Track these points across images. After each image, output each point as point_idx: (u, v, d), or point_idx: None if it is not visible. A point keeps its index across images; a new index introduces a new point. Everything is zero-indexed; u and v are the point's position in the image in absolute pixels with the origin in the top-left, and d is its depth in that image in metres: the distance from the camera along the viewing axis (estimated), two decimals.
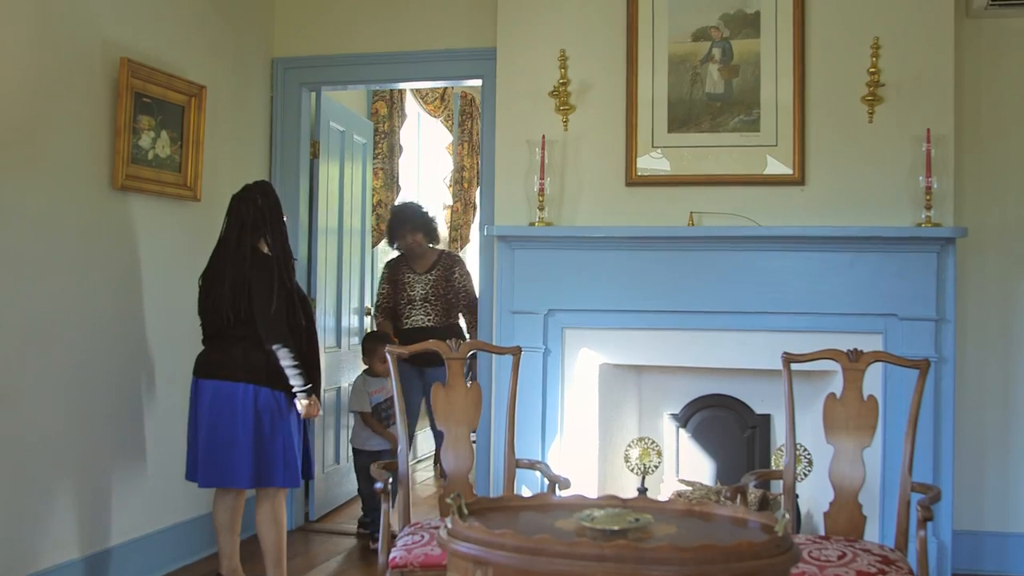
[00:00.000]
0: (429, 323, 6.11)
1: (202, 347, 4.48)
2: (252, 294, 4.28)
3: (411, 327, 6.11)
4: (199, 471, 4.38)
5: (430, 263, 6.21)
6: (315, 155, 6.13)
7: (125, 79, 4.59)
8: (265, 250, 4.40)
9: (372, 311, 6.24)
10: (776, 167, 5.02)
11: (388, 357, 4.05)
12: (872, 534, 4.41)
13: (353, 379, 6.21)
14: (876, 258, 4.83)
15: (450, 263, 6.27)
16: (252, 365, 4.30)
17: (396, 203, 6.49)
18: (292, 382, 4.30)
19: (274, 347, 4.26)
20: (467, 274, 6.28)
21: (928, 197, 4.74)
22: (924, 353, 4.60)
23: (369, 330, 6.62)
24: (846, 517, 3.78)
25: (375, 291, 6.55)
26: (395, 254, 6.46)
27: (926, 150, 4.74)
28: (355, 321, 6.67)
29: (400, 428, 4.07)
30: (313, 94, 6.12)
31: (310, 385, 4.35)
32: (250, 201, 4.42)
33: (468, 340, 5.79)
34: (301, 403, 4.34)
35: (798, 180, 4.99)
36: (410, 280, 6.17)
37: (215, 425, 4.31)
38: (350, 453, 6.47)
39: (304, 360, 4.36)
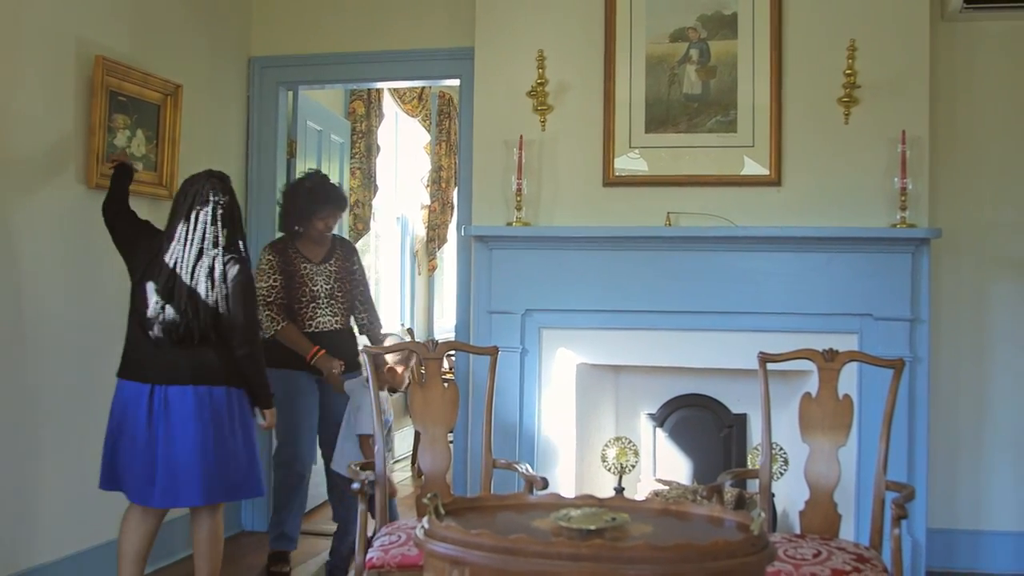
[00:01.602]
0: (337, 325, 5.13)
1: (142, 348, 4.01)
2: (234, 298, 3.93)
3: (318, 331, 5.06)
4: (203, 487, 3.89)
5: (326, 251, 5.20)
6: (292, 154, 6.11)
7: (100, 77, 4.56)
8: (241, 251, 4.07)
9: (264, 308, 4.94)
10: (753, 167, 5.04)
11: (365, 359, 4.04)
12: (847, 532, 4.43)
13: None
14: (851, 258, 4.86)
15: (348, 251, 5.31)
16: (230, 367, 3.98)
17: (306, 175, 5.32)
18: (262, 391, 4.08)
19: (247, 352, 3.98)
20: (362, 265, 5.39)
21: (903, 198, 4.78)
22: (899, 353, 4.63)
23: (275, 329, 5.02)
24: (821, 516, 3.79)
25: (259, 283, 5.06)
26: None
27: (901, 151, 4.78)
28: None
29: (377, 430, 4.06)
30: (290, 93, 6.10)
31: (271, 395, 4.14)
32: (222, 203, 4.01)
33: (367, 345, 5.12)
34: (267, 413, 4.15)
35: (775, 181, 5.01)
36: (309, 271, 5.08)
37: (207, 435, 3.89)
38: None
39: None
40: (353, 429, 4.69)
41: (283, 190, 5.36)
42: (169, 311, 3.88)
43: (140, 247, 4.04)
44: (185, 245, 3.93)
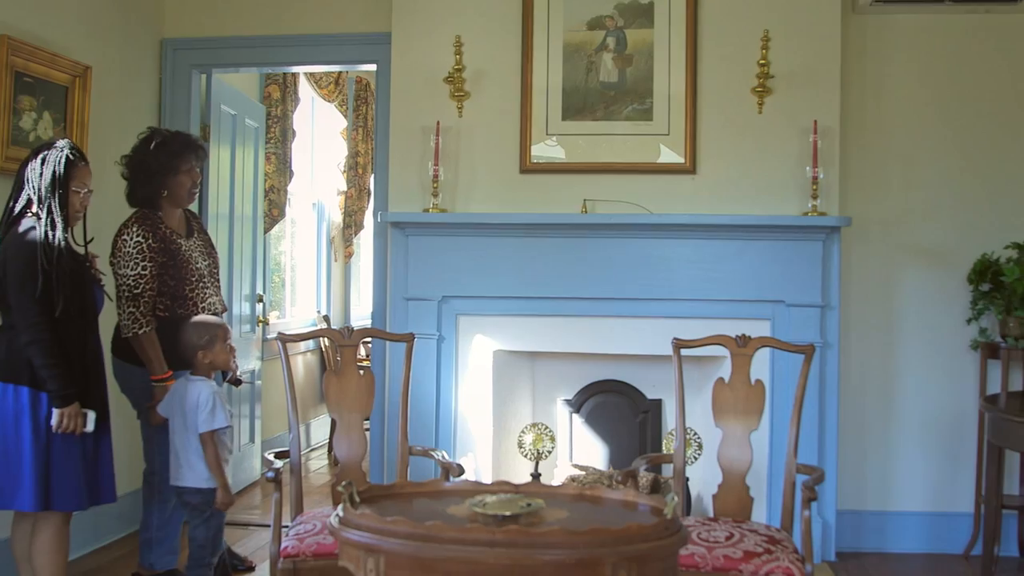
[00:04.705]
0: (221, 306, 4.55)
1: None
2: (6, 271, 3.63)
3: (211, 313, 4.48)
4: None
5: (185, 224, 4.55)
6: (206, 139, 5.99)
7: (4, 57, 4.42)
8: (32, 223, 3.68)
9: (129, 303, 4.22)
10: (668, 156, 5.09)
11: (281, 347, 4.00)
12: (759, 515, 4.51)
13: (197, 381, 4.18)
14: (764, 246, 4.94)
15: (200, 222, 4.76)
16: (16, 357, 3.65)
17: (146, 133, 4.51)
18: (47, 386, 3.63)
19: (27, 340, 3.59)
20: None
21: (815, 187, 4.87)
22: (810, 339, 4.74)
23: (134, 331, 4.23)
24: (734, 499, 3.86)
25: (135, 274, 4.25)
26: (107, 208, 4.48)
27: (813, 141, 4.87)
28: (246, 309, 6.56)
29: (292, 416, 4.01)
30: (204, 76, 5.98)
31: (67, 392, 3.64)
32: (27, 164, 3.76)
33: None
34: (55, 413, 3.63)
35: (690, 169, 5.07)
36: (187, 248, 4.42)
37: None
38: (241, 443, 6.34)
39: (67, 359, 3.67)
40: (196, 430, 4.05)
41: (124, 162, 4.49)
42: None
43: None
44: None
